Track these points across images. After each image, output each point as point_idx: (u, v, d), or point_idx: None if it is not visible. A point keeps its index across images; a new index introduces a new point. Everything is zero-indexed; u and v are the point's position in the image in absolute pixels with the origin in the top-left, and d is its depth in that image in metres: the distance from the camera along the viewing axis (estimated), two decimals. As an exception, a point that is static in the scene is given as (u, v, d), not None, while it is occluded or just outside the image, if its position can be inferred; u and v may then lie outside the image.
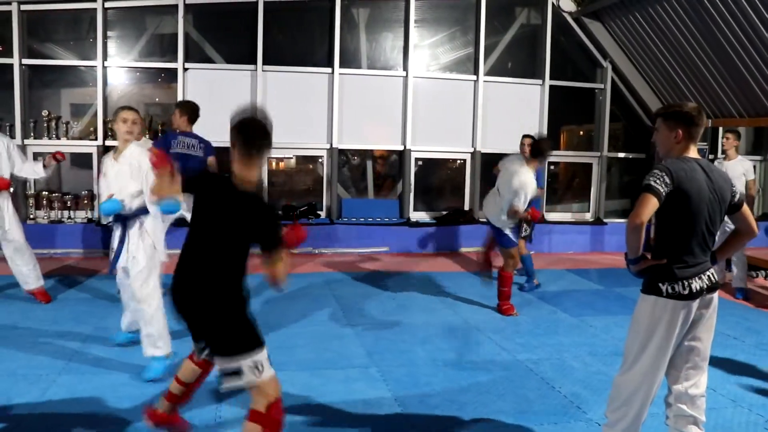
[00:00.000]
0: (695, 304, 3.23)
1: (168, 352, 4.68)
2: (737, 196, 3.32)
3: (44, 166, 6.23)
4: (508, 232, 6.62)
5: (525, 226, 7.60)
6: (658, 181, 3.12)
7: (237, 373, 3.07)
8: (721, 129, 10.19)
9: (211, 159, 6.82)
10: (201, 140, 6.81)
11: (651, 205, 3.10)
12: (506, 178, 6.49)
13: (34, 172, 6.39)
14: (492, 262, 7.44)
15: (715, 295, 3.33)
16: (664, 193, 3.11)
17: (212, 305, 3.12)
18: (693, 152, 3.28)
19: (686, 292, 3.19)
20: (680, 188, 3.14)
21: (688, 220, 3.19)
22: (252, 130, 3.52)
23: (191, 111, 6.81)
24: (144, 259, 4.69)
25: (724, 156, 7.75)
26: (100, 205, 4.71)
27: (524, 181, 6.28)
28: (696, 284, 3.21)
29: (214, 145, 7.86)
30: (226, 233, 3.15)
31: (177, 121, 6.79)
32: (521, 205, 6.30)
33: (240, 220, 3.14)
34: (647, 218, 3.10)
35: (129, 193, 4.65)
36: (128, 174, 4.64)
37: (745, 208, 3.35)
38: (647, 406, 3.36)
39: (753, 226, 3.36)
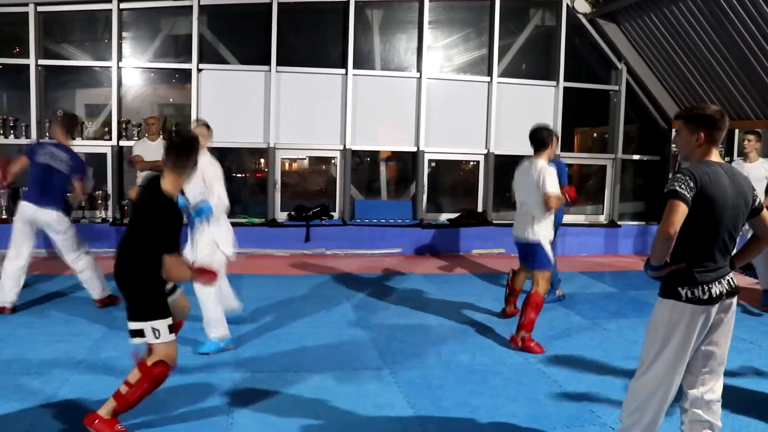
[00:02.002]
0: (714, 309, 3.19)
1: (223, 335, 5.26)
2: (758, 200, 3.28)
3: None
4: (546, 246, 5.70)
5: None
6: (683, 186, 3.08)
7: (140, 333, 3.73)
8: (737, 131, 10.11)
9: (76, 179, 6.36)
10: (72, 156, 6.34)
11: (681, 213, 3.05)
12: (523, 182, 5.87)
13: None
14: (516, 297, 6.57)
15: (734, 300, 3.29)
16: (690, 198, 3.07)
17: (126, 280, 3.82)
18: (715, 156, 3.24)
19: (706, 296, 3.15)
20: (704, 193, 3.09)
21: (710, 225, 3.15)
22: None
23: (69, 122, 6.48)
24: (202, 254, 5.16)
25: (743, 158, 7.55)
26: (203, 207, 5.05)
27: (540, 167, 5.65)
28: (716, 289, 3.17)
29: (224, 145, 7.79)
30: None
31: (54, 131, 6.49)
32: (552, 189, 5.57)
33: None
34: (679, 227, 3.06)
35: (194, 195, 5.10)
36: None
37: (765, 213, 3.29)
38: (663, 412, 3.32)
39: None
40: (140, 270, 3.74)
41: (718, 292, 3.17)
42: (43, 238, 8.88)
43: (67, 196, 6.58)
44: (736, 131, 10.08)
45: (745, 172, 7.08)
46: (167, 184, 3.77)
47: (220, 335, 5.26)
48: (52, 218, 6.15)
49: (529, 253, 5.78)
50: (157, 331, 3.71)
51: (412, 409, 4.23)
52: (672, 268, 3.18)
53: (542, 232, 5.69)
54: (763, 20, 8.00)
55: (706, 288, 3.16)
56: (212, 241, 5.29)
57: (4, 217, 9.12)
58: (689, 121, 3.26)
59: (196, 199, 5.08)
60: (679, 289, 3.18)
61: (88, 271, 6.37)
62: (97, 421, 3.68)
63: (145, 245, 3.73)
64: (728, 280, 3.23)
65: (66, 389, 4.36)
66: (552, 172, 5.66)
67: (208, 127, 5.65)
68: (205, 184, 5.16)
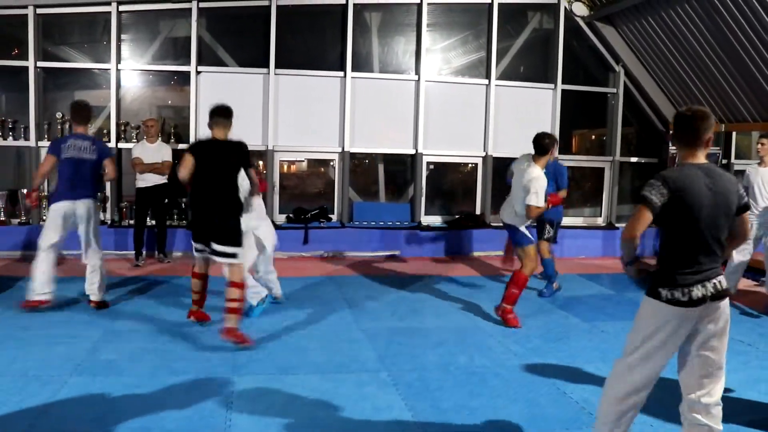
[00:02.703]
0: (696, 311, 3.20)
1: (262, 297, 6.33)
2: (744, 200, 3.30)
3: None
4: (522, 229, 6.45)
5: (548, 227, 7.65)
6: (653, 192, 3.18)
7: (234, 255, 5.45)
8: (734, 134, 10.14)
9: (107, 162, 6.48)
10: (94, 142, 6.46)
11: (644, 219, 3.18)
12: (517, 178, 6.47)
13: None
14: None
15: (723, 303, 3.28)
16: (659, 204, 3.15)
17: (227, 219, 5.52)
18: (698, 157, 3.26)
19: (685, 299, 3.17)
20: (679, 197, 3.15)
21: (689, 228, 3.19)
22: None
23: (78, 111, 6.47)
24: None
25: (759, 162, 7.40)
26: None
27: (533, 176, 6.14)
28: (697, 292, 3.18)
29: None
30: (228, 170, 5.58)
31: (74, 125, 6.49)
32: (536, 200, 6.10)
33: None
34: (640, 232, 3.20)
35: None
36: None
37: (745, 214, 3.34)
38: (633, 409, 3.37)
39: (746, 232, 3.39)
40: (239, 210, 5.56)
41: (700, 295, 3.18)
42: (36, 240, 8.93)
43: (99, 182, 6.67)
44: (734, 134, 10.12)
45: (760, 177, 7.13)
46: None
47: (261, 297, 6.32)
48: (88, 207, 6.30)
49: (511, 235, 6.66)
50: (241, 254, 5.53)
51: (411, 411, 4.24)
52: (643, 265, 3.28)
53: (520, 219, 6.43)
54: (760, 23, 8.03)
55: (687, 290, 3.17)
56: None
57: (2, 219, 9.14)
58: (673, 123, 3.35)
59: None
60: (660, 289, 3.22)
61: (99, 269, 6.45)
62: (230, 332, 5.33)
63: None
64: (714, 283, 3.22)
65: (65, 391, 4.36)
66: (542, 185, 6.18)
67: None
68: None
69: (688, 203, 3.15)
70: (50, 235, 6.24)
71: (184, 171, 5.47)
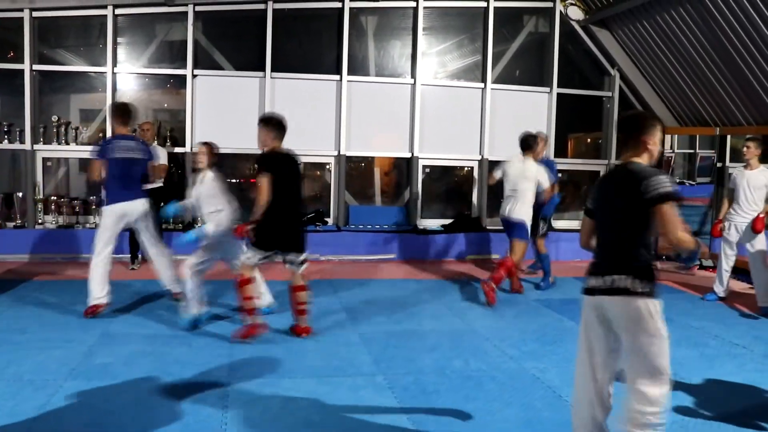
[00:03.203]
0: (592, 301, 3.30)
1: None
2: (649, 194, 3.09)
3: None
4: (528, 224, 7.36)
5: (542, 224, 8.03)
6: (589, 198, 3.58)
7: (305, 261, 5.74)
8: (729, 137, 10.17)
9: (150, 164, 6.57)
10: (140, 142, 6.53)
11: (585, 223, 3.56)
12: (518, 174, 7.41)
13: None
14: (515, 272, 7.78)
15: (615, 300, 3.17)
16: (591, 207, 3.50)
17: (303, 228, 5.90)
18: (625, 158, 3.34)
19: (585, 286, 3.34)
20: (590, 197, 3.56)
21: (596, 223, 3.47)
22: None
23: (122, 112, 6.48)
24: None
25: (745, 165, 7.35)
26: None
27: (536, 167, 7.45)
28: (591, 281, 3.31)
29: (224, 150, 7.85)
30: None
31: (116, 127, 6.52)
32: (548, 183, 7.50)
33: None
34: (584, 238, 3.55)
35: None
36: None
37: (661, 207, 3.08)
38: (583, 407, 3.36)
39: (666, 228, 3.09)
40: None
41: (591, 285, 3.30)
42: (31, 244, 8.92)
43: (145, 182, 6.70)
44: (728, 137, 10.15)
45: (746, 180, 7.13)
46: None
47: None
48: (143, 206, 6.37)
49: (515, 228, 7.39)
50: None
51: (407, 414, 4.24)
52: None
53: (527, 213, 7.38)
54: (754, 28, 8.07)
55: (587, 279, 3.35)
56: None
57: (39, 222, 9.19)
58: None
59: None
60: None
61: (170, 262, 6.59)
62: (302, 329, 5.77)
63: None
64: (613, 279, 3.18)
65: (60, 395, 4.35)
66: (542, 171, 7.49)
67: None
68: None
69: (592, 202, 3.51)
70: (105, 239, 6.26)
71: (266, 195, 5.39)
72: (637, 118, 3.53)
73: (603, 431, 3.36)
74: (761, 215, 7.01)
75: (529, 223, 7.40)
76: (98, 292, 6.21)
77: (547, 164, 8.07)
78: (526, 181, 7.34)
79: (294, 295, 5.79)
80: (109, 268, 6.27)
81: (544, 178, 7.46)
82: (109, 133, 9.32)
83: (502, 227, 7.93)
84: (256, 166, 5.62)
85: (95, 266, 6.23)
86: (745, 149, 7.32)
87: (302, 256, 5.76)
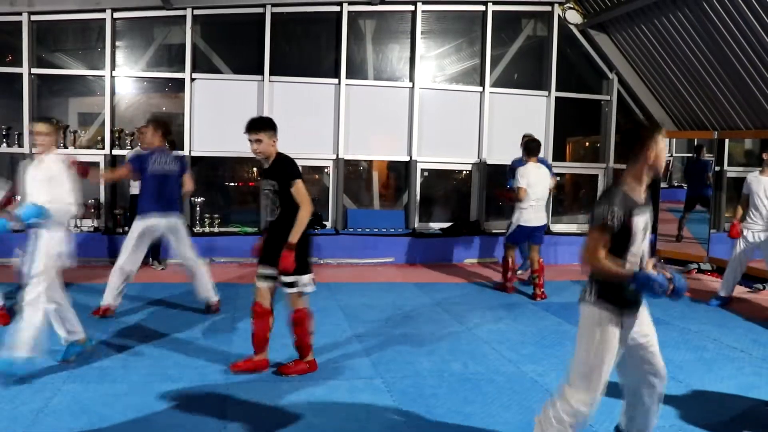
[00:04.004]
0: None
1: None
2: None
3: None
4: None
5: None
6: None
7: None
8: (727, 141, 10.18)
9: (186, 176, 6.58)
10: (175, 156, 6.55)
11: None
12: (542, 181, 7.74)
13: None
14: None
15: (581, 307, 3.39)
16: None
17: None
18: (627, 172, 3.37)
19: None
20: None
21: None
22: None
23: (165, 127, 6.54)
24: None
25: (761, 170, 7.37)
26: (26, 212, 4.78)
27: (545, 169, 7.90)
28: None
29: (217, 154, 7.97)
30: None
31: (150, 137, 6.44)
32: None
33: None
34: None
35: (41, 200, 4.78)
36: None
37: (589, 233, 3.31)
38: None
39: (582, 251, 3.35)
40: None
41: None
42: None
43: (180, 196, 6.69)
44: (726, 141, 10.16)
45: (762, 186, 7.17)
46: None
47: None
48: (176, 222, 6.34)
49: (539, 234, 7.86)
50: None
51: (405, 417, 4.23)
52: None
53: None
54: (752, 32, 8.08)
55: None
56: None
57: None
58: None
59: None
60: None
61: (204, 273, 6.55)
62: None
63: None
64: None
65: (58, 398, 4.34)
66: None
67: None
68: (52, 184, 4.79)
69: None
70: (130, 248, 6.29)
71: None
72: (635, 132, 3.41)
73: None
74: (734, 226, 7.09)
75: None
76: (112, 296, 6.26)
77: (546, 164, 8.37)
78: (546, 187, 7.84)
79: (268, 320, 5.07)
80: (125, 279, 6.29)
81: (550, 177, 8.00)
82: (105, 137, 9.38)
83: (520, 234, 7.84)
84: (287, 171, 4.87)
85: (115, 271, 6.28)
86: (765, 155, 7.32)
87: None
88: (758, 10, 7.84)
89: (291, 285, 4.83)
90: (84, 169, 5.63)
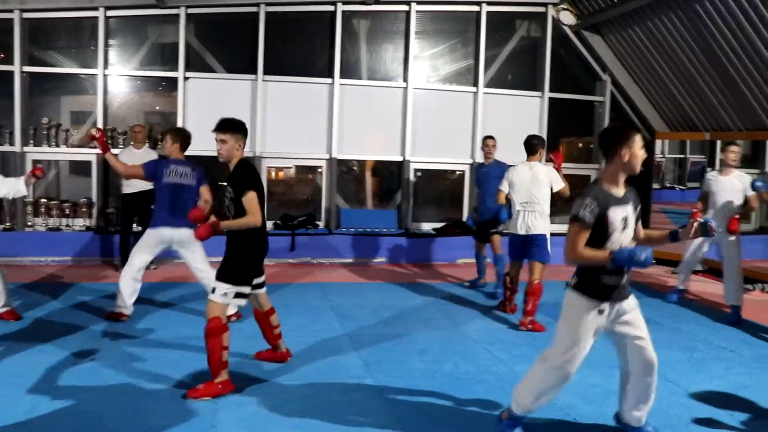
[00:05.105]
0: None
1: None
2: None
3: (25, 183, 6.18)
4: (549, 239, 6.76)
5: (502, 224, 7.56)
6: None
7: None
8: (719, 142, 10.21)
9: (203, 188, 6.43)
10: (193, 168, 6.42)
11: None
12: (528, 182, 6.72)
13: (16, 191, 6.20)
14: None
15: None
16: None
17: None
18: (606, 170, 3.75)
19: None
20: None
21: None
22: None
23: (184, 138, 6.43)
24: None
25: (720, 170, 7.38)
26: None
27: (546, 169, 6.84)
28: None
29: (210, 154, 7.89)
30: None
31: (168, 147, 6.36)
32: (564, 183, 6.86)
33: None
34: None
35: None
36: None
37: (569, 228, 3.61)
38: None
39: (565, 246, 3.65)
40: None
41: None
42: (20, 246, 8.88)
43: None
44: (718, 142, 10.19)
45: (721, 185, 7.18)
46: None
47: None
48: (186, 236, 6.14)
49: (537, 247, 6.74)
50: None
51: (397, 418, 4.23)
52: None
53: (547, 226, 6.77)
54: (744, 34, 8.12)
55: None
56: None
57: (29, 224, 9.17)
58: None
59: None
60: None
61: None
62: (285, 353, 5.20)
63: None
64: None
65: (50, 398, 4.32)
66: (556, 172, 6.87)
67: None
68: None
69: None
70: (141, 258, 6.21)
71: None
72: (611, 131, 3.75)
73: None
74: (736, 216, 7.01)
75: (549, 237, 6.76)
76: (126, 302, 6.18)
77: (500, 168, 7.49)
78: (540, 189, 6.66)
79: (271, 319, 5.15)
80: (136, 284, 6.23)
81: (558, 180, 6.78)
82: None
83: (511, 245, 6.91)
84: (242, 181, 4.67)
85: (124, 276, 6.20)
86: (731, 153, 7.24)
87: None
88: (750, 13, 7.88)
89: (212, 290, 4.63)
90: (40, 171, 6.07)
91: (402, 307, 7.30)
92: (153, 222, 6.25)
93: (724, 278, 7.24)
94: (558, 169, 6.94)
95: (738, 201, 7.10)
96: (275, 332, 5.17)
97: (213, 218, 4.82)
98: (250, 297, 4.89)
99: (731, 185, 7.12)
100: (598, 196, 3.56)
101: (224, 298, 4.59)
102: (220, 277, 4.61)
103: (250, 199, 4.58)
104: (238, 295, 4.68)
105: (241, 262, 4.66)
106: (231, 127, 4.72)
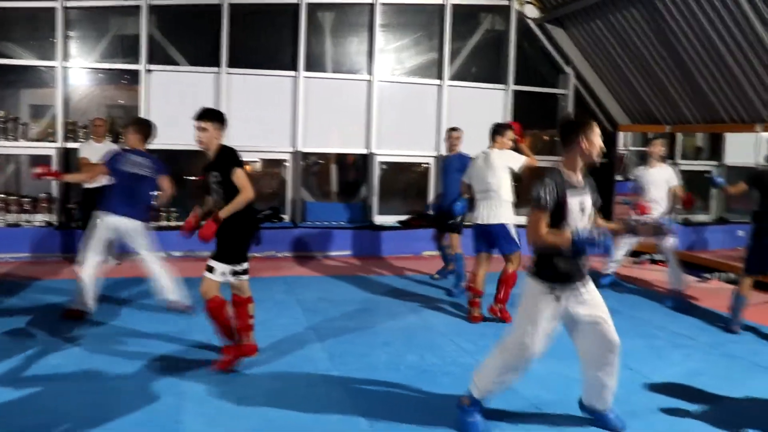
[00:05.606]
0: None
1: None
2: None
3: None
4: (512, 229, 6.42)
5: (457, 217, 7.42)
6: None
7: None
8: (679, 135, 10.41)
9: (163, 178, 6.36)
10: (152, 160, 6.35)
11: None
12: (486, 169, 6.49)
13: None
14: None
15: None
16: None
17: None
18: (564, 160, 3.95)
19: None
20: None
21: None
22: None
23: (147, 129, 6.38)
24: None
25: (648, 164, 7.78)
26: None
27: (506, 153, 6.61)
28: None
29: (173, 147, 7.85)
30: None
31: (131, 138, 6.29)
32: (528, 159, 6.72)
33: None
34: None
35: None
36: None
37: (531, 213, 3.73)
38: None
39: (527, 231, 3.79)
40: None
41: None
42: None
43: (153, 201, 6.52)
44: (678, 135, 10.39)
45: (651, 177, 7.50)
46: None
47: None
48: (135, 227, 6.11)
49: (500, 238, 6.41)
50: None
51: (362, 410, 4.24)
52: None
53: (509, 215, 6.48)
54: (701, 30, 8.27)
55: None
56: None
57: None
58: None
59: None
60: None
61: (163, 273, 6.31)
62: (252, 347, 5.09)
63: None
64: None
65: (6, 397, 4.25)
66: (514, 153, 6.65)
67: None
68: None
69: None
70: (94, 250, 6.11)
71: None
72: (569, 121, 3.99)
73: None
74: (685, 195, 7.43)
75: (512, 226, 6.42)
76: (86, 299, 6.06)
77: (466, 163, 7.29)
78: (494, 175, 6.40)
79: (248, 308, 5.17)
80: (94, 275, 6.11)
81: (516, 159, 6.52)
82: (57, 130, 9.18)
83: (475, 234, 6.57)
84: (228, 160, 4.86)
85: (82, 272, 6.09)
86: (656, 148, 7.71)
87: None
88: (707, 10, 8.02)
89: (208, 269, 4.78)
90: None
91: (367, 300, 7.31)
92: (104, 209, 6.16)
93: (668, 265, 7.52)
94: (520, 142, 6.84)
95: (665, 191, 7.51)
96: (250, 322, 5.17)
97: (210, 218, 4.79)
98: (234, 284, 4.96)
99: (660, 177, 7.57)
100: (557, 180, 3.69)
101: (222, 277, 4.79)
102: (217, 257, 4.78)
103: (240, 175, 4.78)
104: (235, 274, 4.86)
105: (235, 241, 4.82)
106: (211, 115, 4.92)
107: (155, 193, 6.42)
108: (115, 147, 8.40)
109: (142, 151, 6.28)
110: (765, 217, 6.15)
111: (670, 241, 7.15)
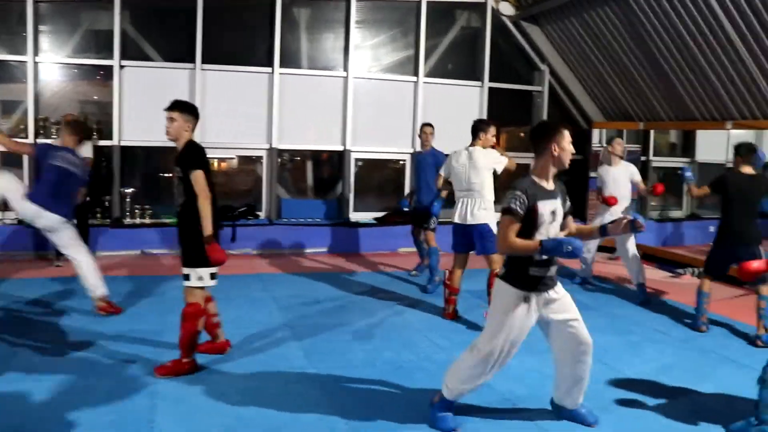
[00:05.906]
0: None
1: None
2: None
3: None
4: (494, 227, 5.99)
5: (433, 219, 7.36)
6: None
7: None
8: (652, 132, 10.53)
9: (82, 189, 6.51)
10: (83, 161, 6.39)
11: None
12: (466, 167, 6.44)
13: None
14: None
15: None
16: None
17: None
18: (535, 164, 3.89)
19: None
20: None
21: None
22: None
23: (82, 131, 6.44)
24: None
25: (610, 162, 7.94)
26: None
27: (487, 153, 6.52)
28: None
29: (147, 144, 7.76)
30: None
31: (66, 138, 6.26)
32: (508, 161, 6.63)
33: None
34: None
35: None
36: None
37: (501, 220, 3.74)
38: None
39: (497, 239, 3.86)
40: None
41: None
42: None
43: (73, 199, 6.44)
44: (652, 132, 10.51)
45: (612, 176, 7.71)
46: None
47: None
48: (55, 222, 6.03)
49: (483, 237, 6.25)
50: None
51: (339, 407, 4.24)
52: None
53: (490, 214, 6.33)
54: (674, 28, 8.36)
55: None
56: None
57: None
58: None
59: None
60: None
61: (85, 266, 6.21)
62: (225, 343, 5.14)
63: None
64: None
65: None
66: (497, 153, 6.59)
67: None
68: None
69: None
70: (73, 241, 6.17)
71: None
72: (541, 126, 3.94)
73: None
74: (657, 184, 7.61)
75: (494, 226, 6.02)
76: (97, 284, 6.17)
77: (439, 159, 7.50)
78: (478, 175, 6.34)
79: (208, 307, 5.02)
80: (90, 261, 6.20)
81: (499, 160, 6.47)
82: (29, 126, 9.05)
83: (454, 234, 6.46)
84: (190, 159, 4.77)
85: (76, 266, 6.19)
86: (616, 147, 7.90)
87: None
88: (679, 9, 8.11)
89: (185, 277, 4.73)
90: None
91: (343, 296, 7.31)
92: (31, 199, 6.04)
93: (628, 262, 7.59)
94: (495, 146, 6.68)
95: (628, 188, 7.73)
96: (214, 320, 5.12)
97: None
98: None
99: (622, 174, 7.76)
100: (528, 189, 3.69)
101: (201, 281, 4.71)
102: (190, 263, 4.69)
103: (197, 177, 4.65)
104: (213, 276, 4.76)
105: (199, 243, 4.63)
106: (181, 106, 4.83)
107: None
108: (87, 144, 8.34)
109: (74, 150, 6.28)
110: (727, 225, 6.16)
111: (631, 236, 7.24)
